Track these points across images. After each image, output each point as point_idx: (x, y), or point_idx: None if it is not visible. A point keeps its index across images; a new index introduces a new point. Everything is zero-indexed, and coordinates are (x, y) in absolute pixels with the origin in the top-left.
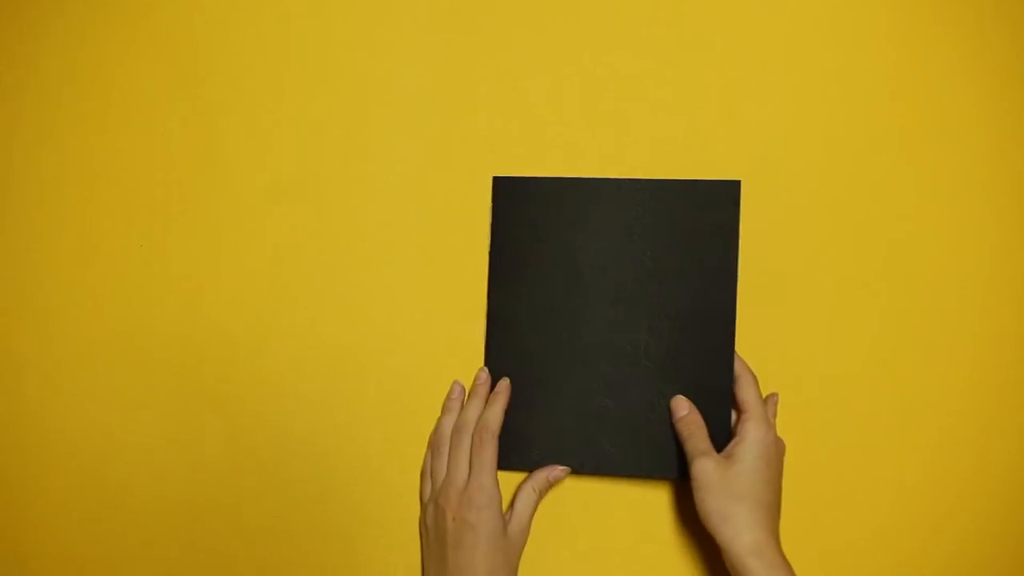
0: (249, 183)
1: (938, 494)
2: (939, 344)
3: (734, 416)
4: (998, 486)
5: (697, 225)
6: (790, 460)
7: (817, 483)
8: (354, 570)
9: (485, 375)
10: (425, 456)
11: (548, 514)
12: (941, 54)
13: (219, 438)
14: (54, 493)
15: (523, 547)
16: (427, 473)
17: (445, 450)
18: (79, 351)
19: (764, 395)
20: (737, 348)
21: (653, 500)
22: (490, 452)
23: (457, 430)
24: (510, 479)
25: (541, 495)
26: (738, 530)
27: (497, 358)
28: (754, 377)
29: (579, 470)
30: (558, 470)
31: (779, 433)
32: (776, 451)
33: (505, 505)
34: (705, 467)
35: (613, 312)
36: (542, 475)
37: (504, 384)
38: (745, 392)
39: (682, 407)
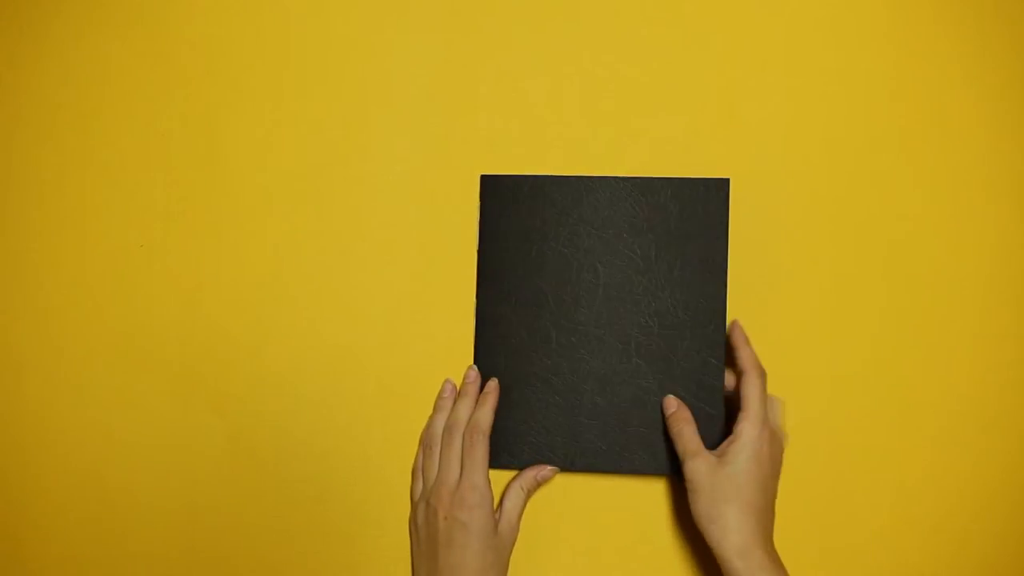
0: (248, 183)
1: (938, 494)
2: (935, 343)
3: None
4: (998, 486)
5: (687, 223)
6: (787, 460)
7: (815, 484)
8: (354, 570)
9: (474, 374)
10: (416, 454)
11: (540, 512)
12: (937, 54)
13: (219, 438)
14: (54, 493)
15: (513, 546)
16: (418, 471)
17: (436, 449)
18: (79, 351)
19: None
20: (726, 347)
21: (644, 497)
22: (481, 451)
23: (448, 429)
24: (500, 478)
25: (529, 494)
26: (726, 532)
27: (486, 356)
28: (761, 373)
29: (570, 468)
30: (546, 470)
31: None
32: (770, 452)
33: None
34: (696, 469)
35: (603, 310)
36: (530, 474)
37: (493, 384)
38: (747, 388)
39: (671, 405)
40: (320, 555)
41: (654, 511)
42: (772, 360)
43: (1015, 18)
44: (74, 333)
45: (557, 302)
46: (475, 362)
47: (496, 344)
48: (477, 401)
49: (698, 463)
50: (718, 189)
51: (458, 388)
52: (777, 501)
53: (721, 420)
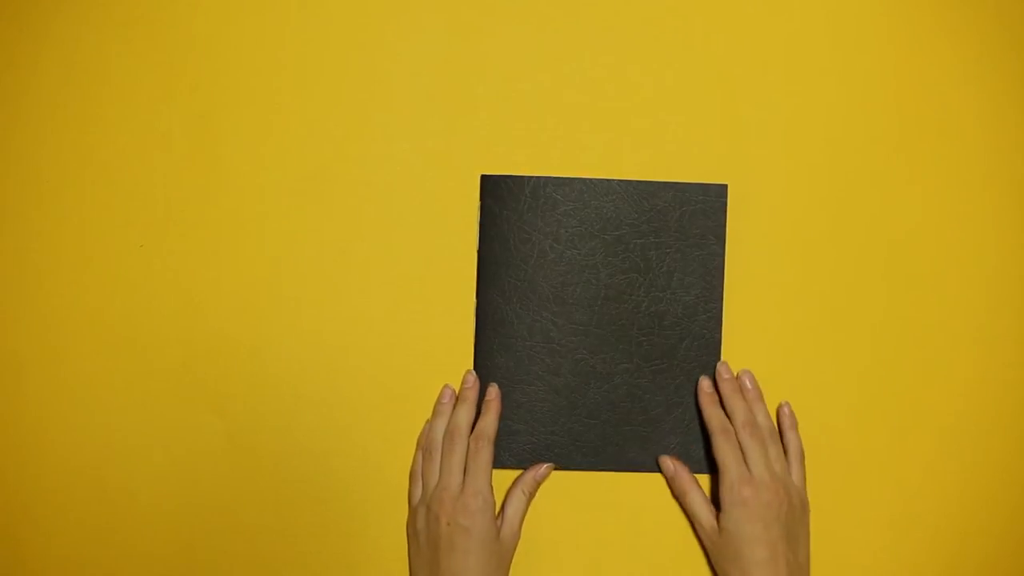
0: (248, 183)
1: (938, 494)
2: (934, 345)
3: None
4: (998, 486)
5: (685, 227)
6: None
7: (815, 484)
8: (354, 570)
9: (473, 378)
10: (414, 458)
11: (540, 511)
12: (937, 55)
13: (219, 438)
14: (54, 493)
15: (514, 550)
16: (417, 475)
17: (437, 455)
18: (79, 351)
19: (764, 396)
20: (723, 350)
21: (645, 496)
22: (486, 457)
23: (449, 435)
24: (500, 483)
25: (531, 497)
26: None
27: (486, 356)
28: (727, 434)
29: (570, 467)
30: (543, 468)
31: None
32: (760, 503)
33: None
34: (703, 534)
35: (603, 310)
36: (529, 476)
37: (495, 391)
38: (716, 452)
39: (667, 466)
40: (320, 555)
41: (654, 510)
42: (771, 362)
43: (1015, 18)
44: (74, 333)
45: (557, 302)
46: (475, 362)
47: (496, 344)
48: (478, 406)
49: (703, 530)
50: (717, 195)
51: (457, 393)
52: None
53: None
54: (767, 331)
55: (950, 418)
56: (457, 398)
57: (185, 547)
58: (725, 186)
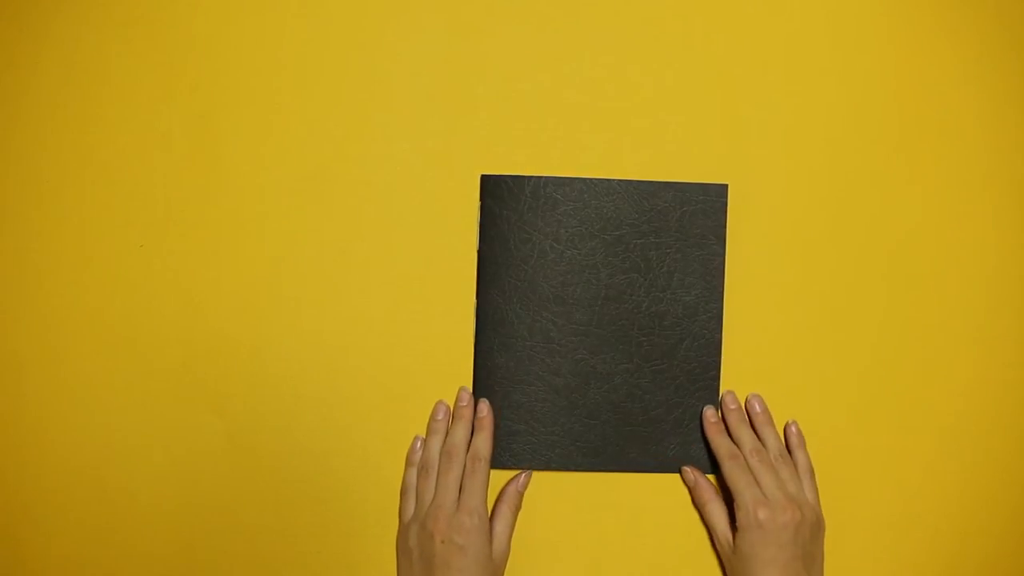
0: (248, 183)
1: (938, 494)
2: (934, 345)
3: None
4: (998, 486)
5: (685, 227)
6: None
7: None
8: (354, 570)
9: (467, 396)
10: (405, 474)
11: (540, 511)
12: (937, 56)
13: (219, 438)
14: (54, 493)
15: (504, 568)
16: (409, 492)
17: (434, 472)
18: (79, 351)
19: (771, 411)
20: (724, 350)
21: (645, 496)
22: (482, 477)
23: (446, 453)
24: (495, 486)
25: (517, 510)
26: None
27: (486, 356)
28: (735, 459)
29: (570, 467)
30: (522, 476)
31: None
32: (776, 525)
33: None
34: (720, 547)
35: (603, 310)
36: (511, 489)
37: (486, 407)
38: (728, 478)
39: (688, 476)
40: (320, 555)
41: (655, 510)
42: (771, 362)
43: (1015, 18)
44: (74, 333)
45: (557, 302)
46: (475, 362)
47: (496, 344)
48: (472, 424)
49: (722, 548)
50: (717, 194)
51: (450, 408)
52: None
53: None
54: (768, 331)
55: (950, 418)
56: (452, 416)
57: (185, 547)
58: (725, 186)
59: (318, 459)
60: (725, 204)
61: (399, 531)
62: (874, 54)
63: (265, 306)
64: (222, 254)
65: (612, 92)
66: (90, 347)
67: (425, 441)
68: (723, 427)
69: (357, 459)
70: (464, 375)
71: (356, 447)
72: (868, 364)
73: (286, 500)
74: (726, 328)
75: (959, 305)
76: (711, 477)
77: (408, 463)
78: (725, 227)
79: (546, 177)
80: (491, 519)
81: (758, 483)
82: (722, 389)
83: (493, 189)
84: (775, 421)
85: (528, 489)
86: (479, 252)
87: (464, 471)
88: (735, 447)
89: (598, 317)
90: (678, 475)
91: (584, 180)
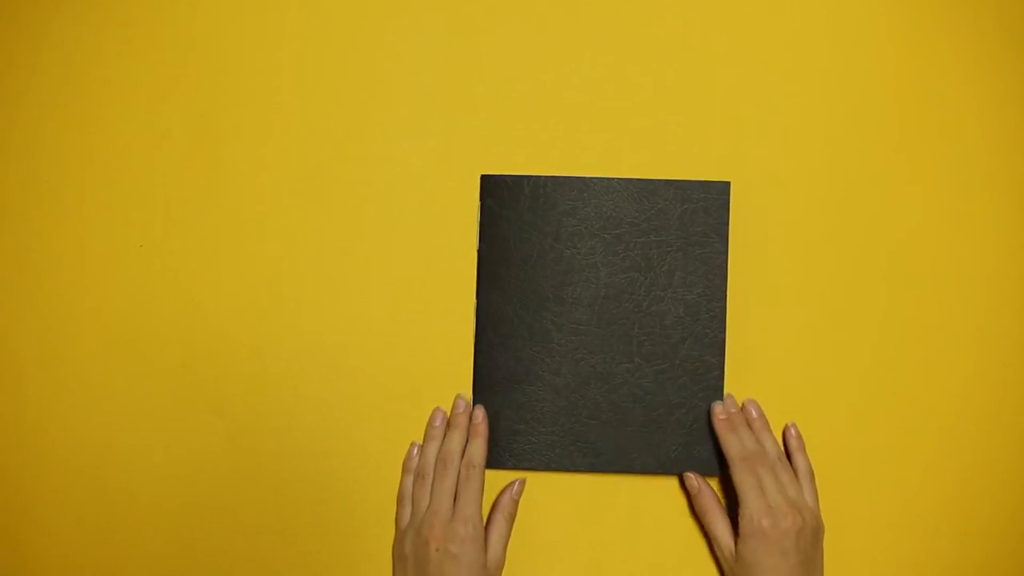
0: (248, 183)
1: (938, 494)
2: (935, 344)
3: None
4: (998, 486)
5: (688, 225)
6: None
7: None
8: (354, 570)
9: (464, 403)
10: (402, 481)
11: (541, 512)
12: (937, 55)
13: (219, 438)
14: (54, 493)
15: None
16: (405, 499)
17: (430, 479)
18: (79, 351)
19: (766, 414)
20: (727, 349)
21: (645, 497)
22: (476, 485)
23: (442, 461)
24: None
25: (512, 518)
26: None
27: (486, 356)
28: (747, 463)
29: (571, 468)
30: (516, 485)
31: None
32: (778, 532)
33: None
34: (720, 555)
35: (603, 310)
36: (506, 499)
37: (481, 415)
38: (737, 481)
39: (692, 483)
40: (320, 555)
41: (655, 511)
42: (772, 361)
43: (1015, 18)
44: (74, 333)
45: (557, 302)
46: (475, 362)
47: (496, 344)
48: (468, 431)
49: (722, 556)
50: (719, 192)
51: (448, 416)
52: None
53: None
54: (770, 330)
55: (950, 418)
56: (448, 423)
57: (185, 547)
58: (727, 183)
59: (318, 459)
60: (727, 201)
61: (395, 538)
62: (874, 53)
63: (265, 306)
64: (222, 254)
65: (612, 92)
66: (90, 347)
67: (422, 448)
68: (734, 424)
69: (357, 459)
70: (464, 375)
71: (356, 447)
72: (869, 363)
73: (286, 500)
74: (729, 327)
75: (959, 305)
76: (713, 482)
77: (404, 470)
78: (727, 225)
79: (546, 177)
80: (486, 528)
81: (762, 488)
82: (726, 389)
83: (493, 189)
84: (781, 418)
85: (528, 490)
86: (479, 252)
87: (459, 479)
88: (746, 448)
89: (598, 316)
90: (679, 477)
91: (584, 179)
